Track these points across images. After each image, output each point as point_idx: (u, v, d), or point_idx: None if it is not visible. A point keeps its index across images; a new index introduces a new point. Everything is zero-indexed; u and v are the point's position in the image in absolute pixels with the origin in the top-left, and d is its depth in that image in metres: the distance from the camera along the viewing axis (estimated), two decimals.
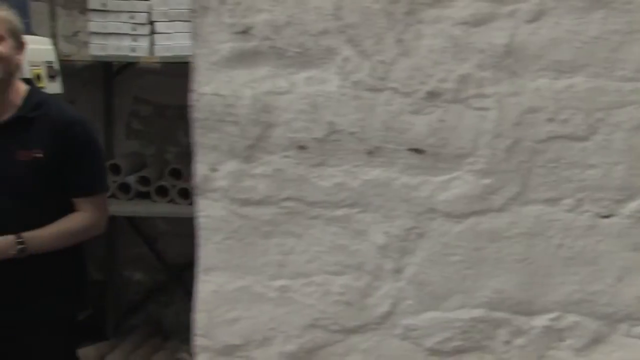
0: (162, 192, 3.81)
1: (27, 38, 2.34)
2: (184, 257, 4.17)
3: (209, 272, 1.14)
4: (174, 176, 3.83)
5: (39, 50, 2.90)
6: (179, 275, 4.18)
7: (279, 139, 1.09)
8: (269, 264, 1.13)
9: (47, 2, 3.78)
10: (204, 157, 1.11)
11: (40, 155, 2.23)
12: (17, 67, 2.30)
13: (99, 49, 3.64)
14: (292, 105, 1.08)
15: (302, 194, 1.11)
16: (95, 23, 3.64)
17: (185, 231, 4.15)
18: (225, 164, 1.11)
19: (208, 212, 1.13)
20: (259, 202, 1.11)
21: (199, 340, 1.14)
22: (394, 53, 1.05)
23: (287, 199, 1.11)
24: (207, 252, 1.14)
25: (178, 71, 4.00)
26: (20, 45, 2.28)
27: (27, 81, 2.41)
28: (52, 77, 2.98)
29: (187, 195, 3.78)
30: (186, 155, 4.00)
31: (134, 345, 3.88)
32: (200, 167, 1.11)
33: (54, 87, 2.97)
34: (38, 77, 2.89)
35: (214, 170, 1.11)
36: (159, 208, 3.76)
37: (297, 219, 1.11)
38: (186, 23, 3.58)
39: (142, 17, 3.62)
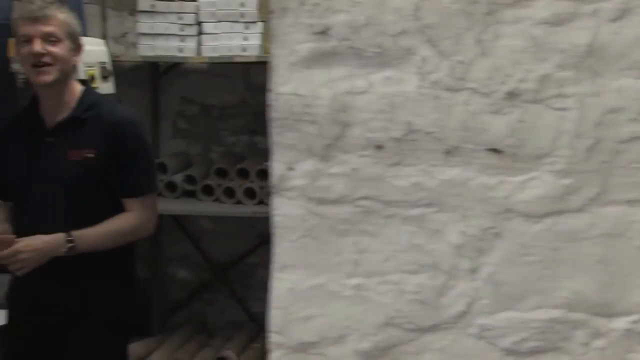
0: (208, 191, 3.85)
1: (83, 40, 2.38)
2: (228, 256, 4.22)
3: (283, 269, 1.15)
4: (220, 175, 3.87)
5: (93, 51, 2.96)
6: (222, 274, 4.23)
7: (356, 139, 1.11)
8: (344, 263, 1.14)
9: (99, 4, 3.85)
10: (281, 156, 1.12)
11: (92, 155, 2.26)
12: (73, 68, 2.35)
13: (148, 49, 3.69)
14: (369, 105, 1.09)
15: (378, 193, 1.12)
16: (144, 24, 3.69)
17: (229, 230, 4.23)
18: (302, 163, 1.12)
19: (284, 210, 1.14)
20: (335, 201, 1.13)
21: (273, 337, 1.15)
22: (473, 53, 1.06)
23: (363, 198, 1.12)
24: (282, 250, 1.15)
25: (223, 71, 4.06)
26: (77, 47, 2.31)
27: (82, 82, 2.45)
28: (105, 77, 3.04)
29: (232, 194, 3.82)
30: (230, 155, 4.07)
31: (179, 342, 3.92)
32: (277, 166, 1.13)
33: (106, 88, 3.02)
34: (92, 77, 2.94)
35: (290, 169, 1.13)
36: (205, 207, 3.80)
37: (373, 218, 1.12)
38: (233, 23, 3.62)
39: (190, 18, 3.67)
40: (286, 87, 1.11)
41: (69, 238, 2.22)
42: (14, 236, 2.21)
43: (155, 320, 4.12)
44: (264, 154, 3.98)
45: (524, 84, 1.05)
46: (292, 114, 1.11)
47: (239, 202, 3.80)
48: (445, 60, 1.07)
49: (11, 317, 2.45)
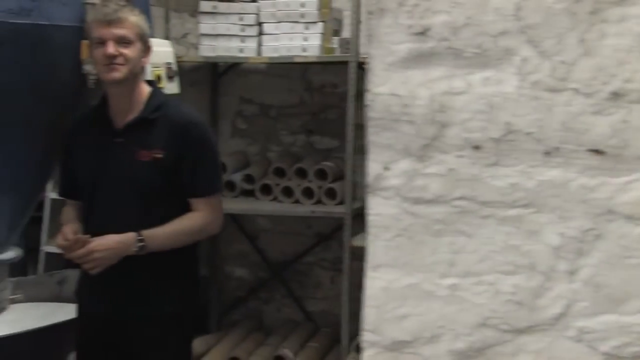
0: (266, 190, 3.88)
1: (151, 41, 2.43)
2: (284, 255, 4.25)
3: (377, 268, 1.16)
4: (278, 175, 3.90)
5: (160, 52, 3.00)
6: (279, 273, 4.26)
7: (454, 139, 1.11)
8: (439, 262, 1.14)
9: (163, 6, 3.91)
10: (377, 156, 1.13)
11: (161, 155, 2.29)
12: (142, 69, 2.39)
13: (209, 50, 3.74)
14: (468, 106, 1.09)
15: (475, 194, 1.11)
16: (205, 25, 3.74)
17: (286, 229, 4.26)
18: (398, 162, 1.13)
19: (379, 210, 1.15)
20: (430, 201, 1.13)
21: (367, 336, 1.16)
22: (576, 53, 1.05)
23: (460, 198, 1.12)
24: (376, 249, 1.16)
25: (282, 71, 4.09)
26: (147, 49, 2.36)
27: (150, 82, 2.49)
28: (170, 78, 3.08)
29: (290, 193, 3.84)
30: (288, 155, 4.10)
31: (237, 340, 3.96)
32: (373, 166, 1.14)
33: (172, 88, 3.07)
34: (158, 78, 2.99)
35: (386, 168, 1.13)
36: (263, 206, 3.83)
37: (469, 218, 1.12)
38: (293, 24, 3.64)
39: (250, 19, 3.70)
40: (384, 88, 1.11)
41: (140, 237, 2.26)
42: (88, 236, 2.26)
43: (213, 318, 4.18)
44: (322, 154, 4.01)
45: (630, 84, 1.04)
46: (389, 114, 1.12)
47: (296, 202, 3.83)
48: (547, 60, 1.06)
49: (80, 312, 2.51)
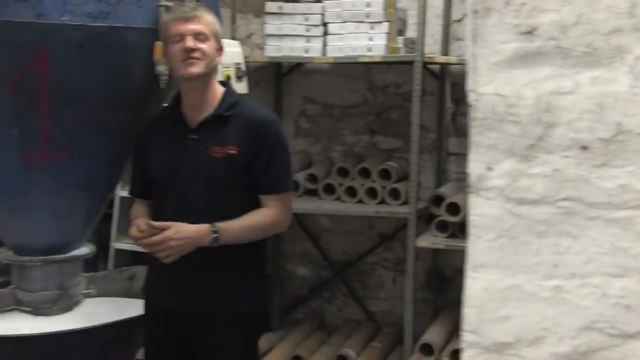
0: (329, 190, 3.90)
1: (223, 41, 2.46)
2: (346, 255, 4.26)
3: (478, 269, 1.15)
4: (341, 174, 3.91)
5: (229, 52, 3.04)
6: (341, 272, 4.26)
7: (560, 139, 1.09)
8: (543, 264, 1.13)
9: (229, 7, 3.96)
10: (480, 156, 1.12)
11: (234, 152, 2.34)
12: (216, 67, 2.43)
13: (274, 50, 3.77)
14: (576, 105, 1.08)
15: (581, 195, 1.10)
16: (271, 25, 3.77)
17: (348, 229, 4.27)
18: (502, 163, 1.12)
19: (481, 210, 1.14)
20: (534, 202, 1.12)
21: (467, 337, 1.16)
22: None
23: (565, 199, 1.10)
24: (478, 249, 1.15)
25: (345, 71, 4.10)
26: (220, 48, 2.41)
27: (223, 83, 2.52)
28: (239, 78, 3.13)
29: (353, 193, 3.85)
30: (351, 154, 4.10)
31: (299, 338, 3.99)
32: (476, 166, 1.13)
33: (241, 88, 3.11)
34: (228, 77, 3.03)
35: (490, 169, 1.13)
36: (327, 205, 3.84)
37: (574, 220, 1.11)
38: (359, 24, 3.64)
39: (316, 19, 3.72)
40: (488, 88, 1.11)
41: (214, 229, 2.29)
42: (164, 223, 2.29)
43: (275, 316, 4.21)
44: (385, 154, 4.01)
45: None
46: (494, 114, 1.11)
47: (360, 202, 3.83)
48: None
49: (149, 308, 2.56)
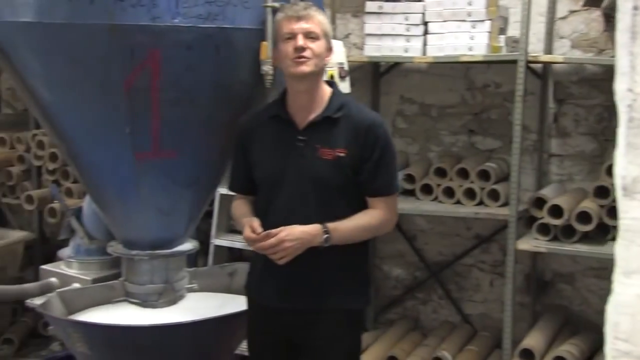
0: (427, 190, 3.86)
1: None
2: (442, 256, 4.21)
3: (631, 275, 1.11)
4: (439, 175, 3.86)
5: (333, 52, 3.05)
6: (437, 274, 4.22)
7: None
8: None
9: (329, 8, 3.98)
10: (635, 158, 1.08)
11: (343, 154, 2.34)
12: (324, 68, 2.44)
13: (374, 49, 3.76)
14: None
15: None
16: (370, 25, 3.76)
17: (444, 230, 4.22)
18: None
19: (635, 214, 1.09)
20: None
21: (619, 345, 1.11)
22: None
23: None
24: (631, 254, 1.11)
25: (443, 70, 4.05)
26: (329, 48, 2.42)
27: (329, 83, 2.51)
28: (342, 77, 3.13)
29: (451, 194, 3.80)
30: (448, 155, 4.05)
31: (394, 339, 3.97)
32: (630, 168, 1.09)
33: (344, 87, 3.11)
34: (332, 77, 3.04)
35: None
36: (424, 206, 3.80)
37: None
38: (460, 22, 3.59)
39: (416, 18, 3.68)
40: None
41: (325, 229, 2.31)
42: (278, 229, 2.30)
43: (369, 316, 4.20)
44: (483, 155, 3.94)
45: None
46: None
47: (457, 203, 3.78)
48: None
49: (252, 304, 2.58)
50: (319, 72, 2.38)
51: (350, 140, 2.35)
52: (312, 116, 2.39)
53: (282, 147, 2.43)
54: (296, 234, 2.30)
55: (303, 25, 2.33)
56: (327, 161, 2.35)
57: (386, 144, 2.39)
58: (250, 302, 2.60)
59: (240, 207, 2.55)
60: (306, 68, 2.32)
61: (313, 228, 2.31)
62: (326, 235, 2.31)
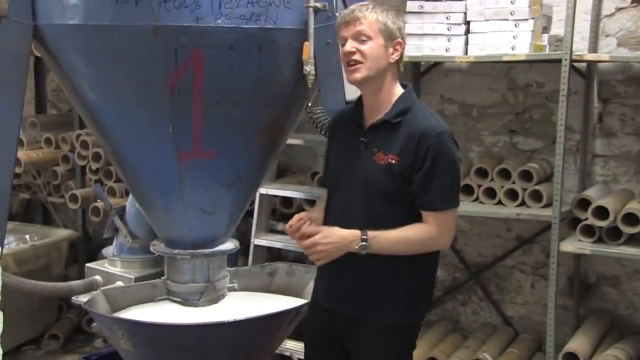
0: (468, 190, 3.83)
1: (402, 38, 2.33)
2: (482, 257, 4.17)
3: None
4: (480, 175, 3.83)
5: None
6: (477, 275, 4.18)
7: None
8: None
9: None
10: None
11: (394, 161, 2.26)
12: (390, 67, 2.32)
13: (415, 49, 3.74)
14: None
15: None
16: (411, 25, 3.74)
17: (485, 231, 4.18)
18: None
19: None
20: None
21: None
22: None
23: None
24: None
25: (484, 70, 4.01)
26: (394, 44, 2.30)
27: (404, 85, 2.41)
28: None
29: (492, 195, 3.76)
30: (489, 155, 4.00)
31: (434, 340, 3.94)
32: None
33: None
34: None
35: None
36: (465, 207, 3.75)
37: None
38: (502, 22, 3.55)
39: (457, 18, 3.65)
40: None
41: (364, 237, 2.25)
42: (310, 226, 2.31)
43: None
44: (524, 155, 3.88)
45: None
46: None
47: (499, 203, 3.74)
48: None
49: (312, 303, 2.59)
50: (375, 76, 2.28)
51: (402, 148, 2.26)
52: (376, 118, 2.34)
53: (348, 148, 2.40)
54: (333, 237, 2.27)
55: (351, 29, 2.28)
56: (379, 166, 2.29)
57: (439, 155, 2.23)
58: (312, 301, 2.62)
59: (319, 201, 2.58)
60: (358, 75, 2.27)
61: (351, 234, 2.26)
62: (363, 243, 2.25)
